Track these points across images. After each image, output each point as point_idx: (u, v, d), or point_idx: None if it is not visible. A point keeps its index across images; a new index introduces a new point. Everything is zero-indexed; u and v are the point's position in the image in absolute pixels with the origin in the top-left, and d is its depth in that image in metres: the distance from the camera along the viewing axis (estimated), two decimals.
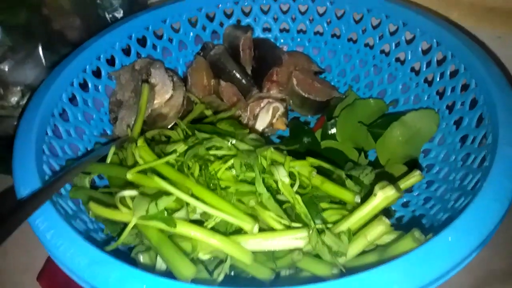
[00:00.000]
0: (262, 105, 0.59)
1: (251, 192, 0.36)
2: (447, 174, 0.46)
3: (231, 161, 0.39)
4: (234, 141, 0.41)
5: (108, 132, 0.55)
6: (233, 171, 0.39)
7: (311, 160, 0.41)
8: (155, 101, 0.55)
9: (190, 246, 0.34)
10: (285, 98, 0.60)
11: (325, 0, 0.61)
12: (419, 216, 0.45)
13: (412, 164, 0.49)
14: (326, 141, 0.54)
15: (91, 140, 0.52)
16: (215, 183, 0.37)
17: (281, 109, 0.59)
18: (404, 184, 0.39)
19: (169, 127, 0.55)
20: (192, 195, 0.35)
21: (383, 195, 0.34)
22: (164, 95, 0.56)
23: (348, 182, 0.41)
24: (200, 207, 0.33)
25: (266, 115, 0.59)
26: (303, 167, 0.40)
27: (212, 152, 0.40)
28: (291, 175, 0.40)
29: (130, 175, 0.37)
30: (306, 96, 0.59)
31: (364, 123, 0.53)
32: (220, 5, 0.63)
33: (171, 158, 0.38)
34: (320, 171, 0.41)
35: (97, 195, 0.40)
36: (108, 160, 0.42)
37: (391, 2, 0.56)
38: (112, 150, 0.42)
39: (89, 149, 0.50)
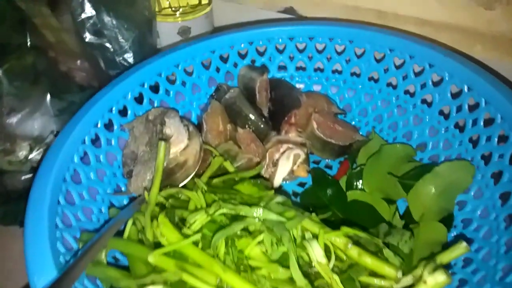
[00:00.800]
0: (281, 150, 0.57)
1: (287, 280, 0.33)
2: (489, 234, 0.42)
3: (261, 237, 0.36)
4: (261, 211, 0.37)
5: (122, 188, 0.52)
6: (263, 247, 0.36)
7: (346, 229, 0.38)
8: (171, 151, 0.52)
9: None
10: (305, 143, 0.57)
11: (344, 39, 0.58)
12: (460, 281, 0.41)
13: (448, 219, 0.46)
14: (353, 192, 0.51)
15: (104, 199, 0.49)
16: (245, 264, 0.34)
17: (302, 156, 0.56)
18: (449, 257, 0.36)
19: (188, 178, 0.51)
20: (220, 283, 0.32)
21: (434, 281, 0.31)
22: (179, 145, 0.53)
23: (386, 252, 0.38)
24: None
25: (286, 163, 0.56)
26: (338, 238, 0.37)
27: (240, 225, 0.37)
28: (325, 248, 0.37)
29: (152, 258, 0.34)
30: (327, 140, 0.57)
31: (393, 172, 0.50)
32: (233, 46, 0.60)
33: (198, 238, 0.35)
34: (354, 240, 0.38)
35: (116, 274, 0.37)
36: (126, 234, 0.39)
37: (414, 41, 0.53)
38: (130, 223, 0.39)
39: (103, 210, 0.47)
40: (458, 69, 0.49)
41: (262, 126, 0.58)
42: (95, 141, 0.50)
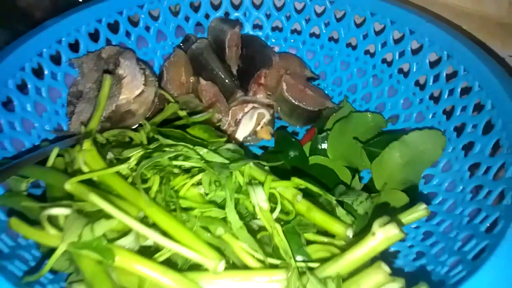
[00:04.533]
0: (246, 110, 0.52)
1: (220, 218, 0.29)
2: (453, 207, 0.39)
3: (198, 176, 0.32)
4: (204, 151, 0.33)
5: (64, 127, 0.47)
6: (201, 189, 0.32)
7: (296, 181, 0.34)
8: (123, 96, 0.48)
9: (136, 281, 0.27)
10: (273, 104, 0.53)
11: None
12: (417, 253, 0.38)
13: (412, 191, 0.42)
14: (315, 157, 0.47)
15: (40, 135, 0.44)
16: (176, 203, 0.30)
17: (267, 116, 0.52)
18: (406, 219, 0.33)
19: (135, 126, 0.47)
20: (144, 217, 0.28)
21: (384, 235, 0.27)
22: (133, 90, 0.49)
23: (339, 210, 0.34)
24: (150, 237, 0.26)
25: (249, 122, 0.52)
26: (287, 189, 0.33)
27: (176, 162, 0.32)
28: (272, 197, 0.33)
29: (69, 186, 0.29)
30: (296, 103, 0.53)
31: (360, 139, 0.47)
32: None
33: (122, 167, 0.30)
34: (307, 193, 0.34)
35: (32, 204, 0.32)
36: (50, 163, 0.34)
37: (398, 6, 0.50)
38: (55, 150, 0.34)
39: (35, 146, 0.43)
40: (439, 35, 0.46)
41: (228, 82, 0.54)
42: (39, 72, 0.45)
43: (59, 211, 0.26)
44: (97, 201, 0.26)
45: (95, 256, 0.25)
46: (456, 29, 0.48)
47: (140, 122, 0.46)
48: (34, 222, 0.30)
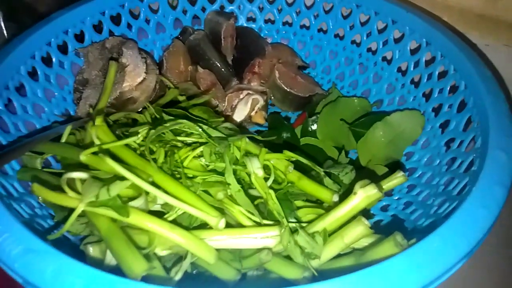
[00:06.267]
0: (241, 96, 0.56)
1: (220, 183, 0.32)
2: (431, 179, 0.43)
3: (200, 149, 0.35)
4: (205, 127, 0.37)
5: (71, 113, 0.50)
6: (202, 160, 0.35)
7: (288, 153, 0.37)
8: (125, 84, 0.51)
9: (146, 239, 0.30)
10: (266, 91, 0.57)
11: None
12: (399, 221, 0.42)
13: (394, 167, 0.46)
14: (306, 138, 0.51)
15: (50, 119, 0.47)
16: (180, 172, 0.33)
17: (261, 102, 0.56)
18: (387, 185, 0.37)
19: (139, 109, 0.50)
20: (153, 183, 0.31)
21: (364, 194, 0.31)
22: (135, 78, 0.52)
23: (327, 180, 0.38)
24: (159, 196, 0.30)
25: (244, 107, 0.55)
26: (279, 161, 0.37)
27: (180, 138, 0.36)
28: (266, 168, 0.37)
29: (83, 156, 0.33)
30: (288, 90, 0.56)
31: (346, 121, 0.51)
32: None
33: (132, 140, 0.34)
34: (298, 167, 0.38)
35: (48, 177, 0.35)
36: (63, 139, 0.37)
37: None
38: (69, 129, 0.37)
39: (46, 126, 0.46)
40: (418, 24, 0.50)
41: (224, 71, 0.57)
42: (47, 60, 0.48)
43: (78, 175, 0.29)
44: (112, 164, 0.29)
45: (111, 213, 0.28)
46: (436, 20, 0.52)
47: (144, 106, 0.49)
48: None
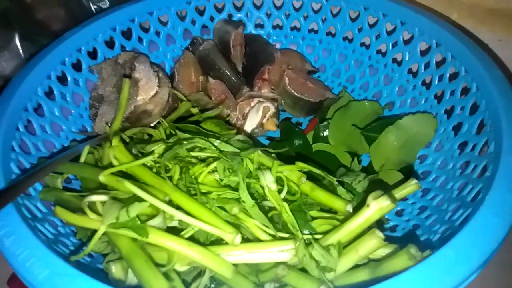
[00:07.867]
0: (252, 104, 0.57)
1: (234, 199, 0.33)
2: (445, 183, 0.43)
3: (213, 165, 0.36)
4: (218, 142, 0.38)
5: (88, 129, 0.52)
6: (216, 175, 0.36)
7: (300, 164, 0.38)
8: (139, 97, 0.52)
9: (166, 256, 0.31)
10: (277, 98, 0.58)
11: None
12: (413, 226, 0.42)
13: (408, 171, 0.46)
14: (318, 144, 0.51)
15: (68, 137, 0.49)
16: (196, 188, 0.34)
17: (272, 109, 0.56)
18: (400, 193, 0.37)
19: (153, 125, 0.52)
20: (170, 201, 0.32)
21: (377, 206, 0.31)
22: (148, 91, 0.53)
23: (340, 190, 0.39)
24: (176, 215, 0.30)
25: (256, 115, 0.56)
26: (292, 172, 0.37)
27: (194, 153, 0.37)
28: (279, 180, 0.37)
29: (102, 177, 0.34)
30: (298, 96, 0.57)
31: (358, 126, 0.51)
32: None
33: (148, 159, 0.35)
34: (310, 176, 0.39)
35: (69, 197, 0.37)
36: (82, 159, 0.39)
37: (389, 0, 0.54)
38: (87, 148, 0.38)
39: (66, 146, 0.47)
40: (427, 25, 0.49)
41: (234, 80, 0.58)
42: (62, 79, 0.50)
43: (98, 198, 0.30)
44: (131, 187, 0.30)
45: (131, 234, 0.29)
46: (444, 19, 0.51)
47: (158, 120, 0.50)
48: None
